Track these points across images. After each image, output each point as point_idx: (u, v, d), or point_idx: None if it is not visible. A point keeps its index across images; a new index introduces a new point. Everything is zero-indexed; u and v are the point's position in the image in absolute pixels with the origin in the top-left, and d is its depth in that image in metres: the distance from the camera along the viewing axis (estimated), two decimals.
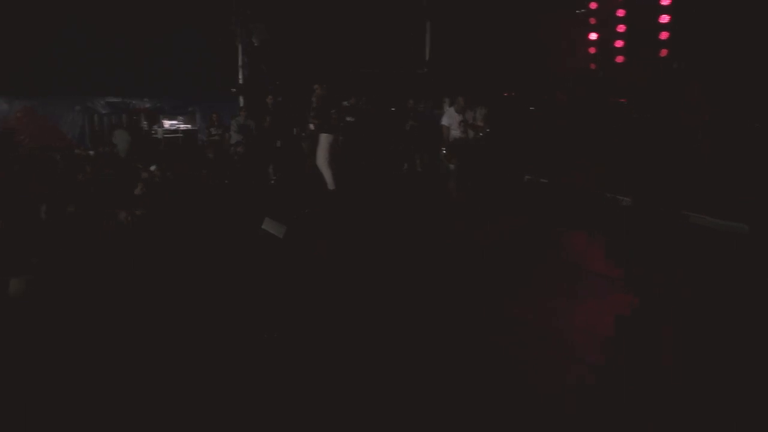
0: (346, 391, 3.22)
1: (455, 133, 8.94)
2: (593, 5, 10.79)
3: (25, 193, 6.55)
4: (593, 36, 10.83)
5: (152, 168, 8.91)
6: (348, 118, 10.35)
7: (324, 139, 8.25)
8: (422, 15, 13.94)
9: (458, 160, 8.89)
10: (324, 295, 4.53)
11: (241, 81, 13.31)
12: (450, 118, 9.01)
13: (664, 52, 9.53)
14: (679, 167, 7.59)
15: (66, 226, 5.62)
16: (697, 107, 8.36)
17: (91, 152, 10.89)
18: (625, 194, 8.09)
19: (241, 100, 13.08)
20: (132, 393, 3.17)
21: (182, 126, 13.36)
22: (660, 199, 7.30)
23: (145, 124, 12.97)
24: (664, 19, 9.42)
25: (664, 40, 9.48)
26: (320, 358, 3.59)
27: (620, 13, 10.32)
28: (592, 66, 11.00)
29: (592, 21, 10.85)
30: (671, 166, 7.69)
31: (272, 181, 9.87)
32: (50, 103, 13.14)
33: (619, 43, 10.43)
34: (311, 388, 3.23)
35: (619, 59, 10.50)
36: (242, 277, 4.86)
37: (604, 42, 10.66)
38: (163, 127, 13.04)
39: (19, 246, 4.90)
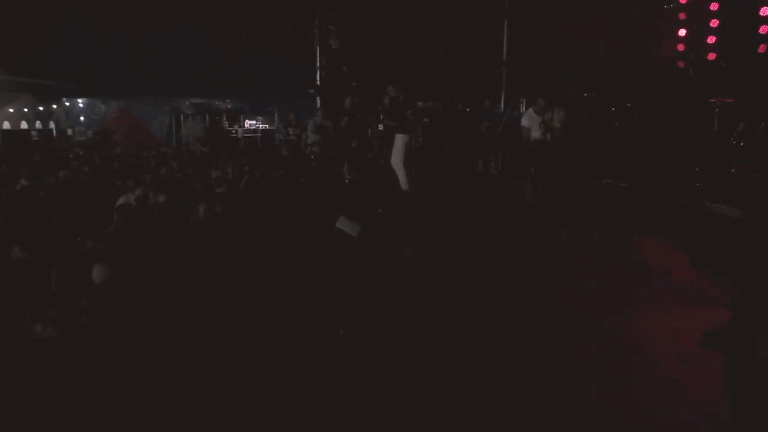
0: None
1: (535, 134, 8.72)
2: None
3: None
4: (682, 32, 10.23)
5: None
6: (424, 119, 10.32)
7: (399, 140, 8.25)
8: (499, 14, 13.71)
9: (536, 162, 8.67)
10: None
11: (318, 82, 13.58)
12: (530, 120, 8.80)
13: (762, 48, 8.85)
14: None
15: (153, 215, 5.90)
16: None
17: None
18: (718, 201, 7.61)
19: (318, 100, 13.35)
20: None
21: (261, 126, 13.85)
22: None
23: (226, 123, 13.55)
24: (765, 11, 8.75)
25: (764, 35, 8.81)
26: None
27: (713, 6, 9.67)
28: (681, 64, 10.39)
29: (682, 16, 10.24)
30: None
31: (347, 181, 10.00)
32: (142, 104, 13.99)
33: (711, 39, 9.78)
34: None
35: (711, 57, 9.85)
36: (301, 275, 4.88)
37: (695, 38, 10.04)
38: (243, 126, 13.57)
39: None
